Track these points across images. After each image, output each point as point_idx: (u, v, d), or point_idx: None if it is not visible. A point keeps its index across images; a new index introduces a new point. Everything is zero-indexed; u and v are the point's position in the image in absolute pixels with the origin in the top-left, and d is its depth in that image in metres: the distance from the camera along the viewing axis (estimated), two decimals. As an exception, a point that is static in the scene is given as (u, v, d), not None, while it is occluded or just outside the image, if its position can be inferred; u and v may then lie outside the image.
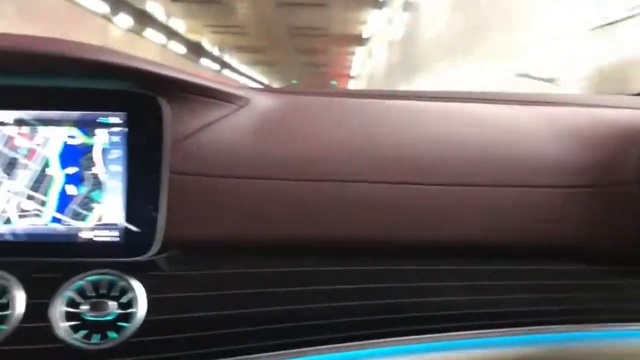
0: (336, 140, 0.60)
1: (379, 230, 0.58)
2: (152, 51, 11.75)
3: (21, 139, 0.56)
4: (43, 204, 0.55)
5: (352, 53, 17.78)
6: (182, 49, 13.92)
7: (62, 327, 0.52)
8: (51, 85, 0.56)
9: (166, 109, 0.56)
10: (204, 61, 15.98)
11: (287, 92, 0.68)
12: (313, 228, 0.57)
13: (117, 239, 0.55)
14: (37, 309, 0.52)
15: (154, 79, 0.57)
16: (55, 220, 0.55)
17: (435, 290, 0.59)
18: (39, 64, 0.54)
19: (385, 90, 0.75)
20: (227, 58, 18.22)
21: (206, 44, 15.22)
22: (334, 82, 23.85)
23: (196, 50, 14.91)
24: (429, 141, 0.61)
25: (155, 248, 0.54)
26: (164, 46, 12.83)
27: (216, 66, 17.59)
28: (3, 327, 0.51)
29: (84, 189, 0.56)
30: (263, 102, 0.64)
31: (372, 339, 0.56)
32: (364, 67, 19.38)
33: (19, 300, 0.52)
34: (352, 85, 25.36)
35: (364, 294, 0.57)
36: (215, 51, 16.48)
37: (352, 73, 22.67)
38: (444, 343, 0.56)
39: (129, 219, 0.55)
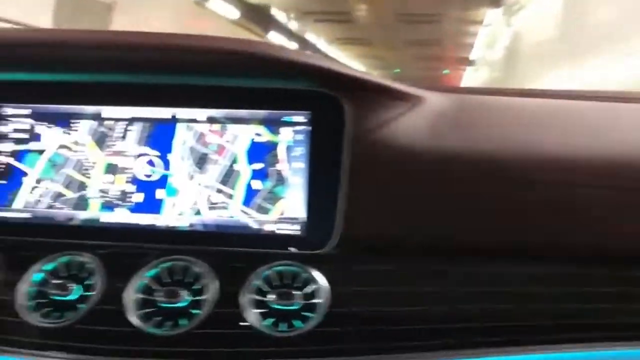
0: (519, 141, 0.82)
1: (569, 233, 0.78)
2: (183, 10, 9.81)
3: (212, 135, 0.83)
4: (230, 197, 0.82)
5: (479, 22, 15.54)
6: (233, 12, 12.09)
7: (252, 313, 0.77)
8: (240, 85, 0.83)
9: (348, 109, 0.81)
10: (274, 36, 14.91)
11: (460, 91, 0.92)
12: (496, 231, 0.79)
13: (298, 232, 0.81)
14: (229, 296, 0.77)
15: (335, 78, 0.82)
16: (241, 212, 0.82)
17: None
18: (229, 64, 0.81)
19: (561, 90, 0.98)
20: (307, 35, 16.92)
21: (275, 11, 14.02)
22: (446, 71, 23.65)
23: (255, 17, 13.33)
24: (624, 145, 0.82)
25: (333, 242, 0.79)
26: (198, 4, 10.83)
27: (293, 44, 16.23)
28: (198, 311, 0.77)
29: (268, 184, 0.82)
30: (436, 101, 0.87)
31: (556, 343, 0.76)
32: (494, 46, 16.42)
33: (213, 287, 0.78)
34: (467, 76, 23.37)
35: (550, 298, 0.78)
36: (289, 23, 15.36)
37: (472, 56, 20.00)
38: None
39: (309, 213, 0.81)
